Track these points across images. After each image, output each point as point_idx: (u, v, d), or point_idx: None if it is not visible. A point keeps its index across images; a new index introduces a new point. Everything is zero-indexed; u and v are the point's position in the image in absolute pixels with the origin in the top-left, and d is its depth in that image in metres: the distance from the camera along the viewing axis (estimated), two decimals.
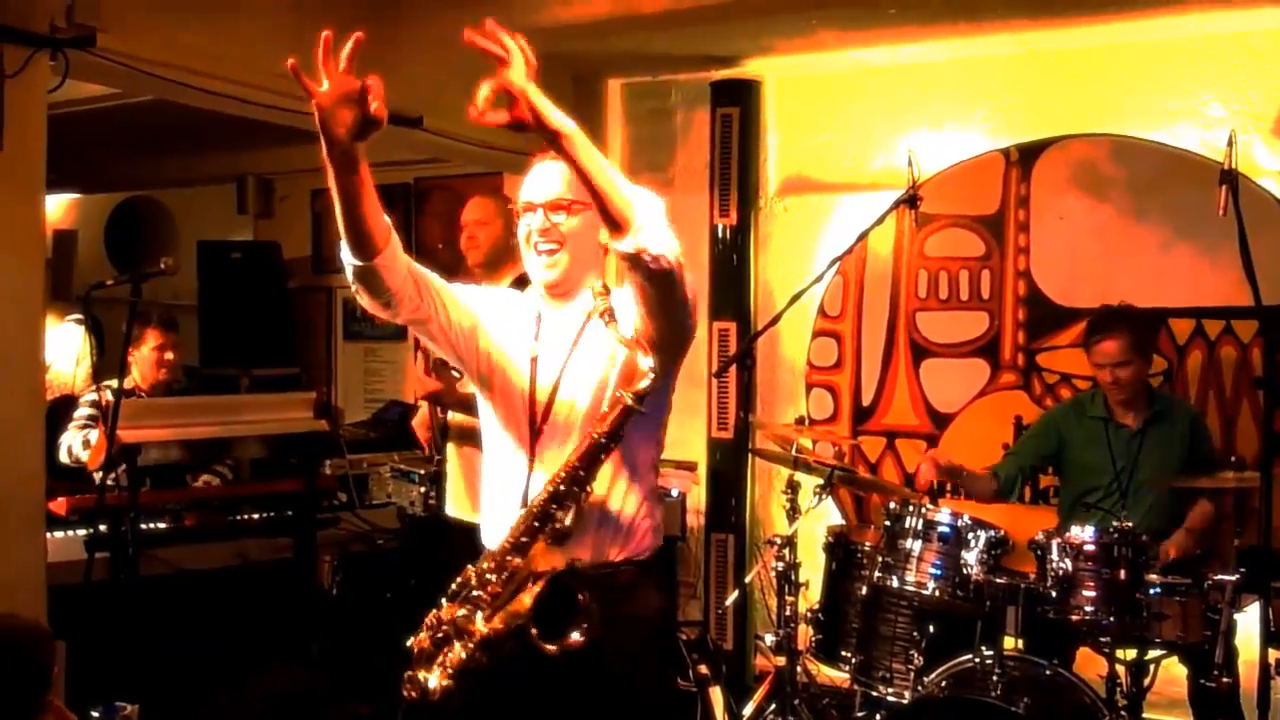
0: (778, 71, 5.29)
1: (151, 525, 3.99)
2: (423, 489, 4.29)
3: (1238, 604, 3.51)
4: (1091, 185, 4.74)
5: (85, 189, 7.39)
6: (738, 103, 5.23)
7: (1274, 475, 3.35)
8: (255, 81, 3.90)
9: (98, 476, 3.61)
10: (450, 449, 3.52)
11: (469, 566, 2.22)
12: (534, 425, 2.30)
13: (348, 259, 2.16)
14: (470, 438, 3.46)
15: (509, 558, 2.14)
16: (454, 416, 3.47)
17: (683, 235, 6.11)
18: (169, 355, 4.47)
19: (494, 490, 2.36)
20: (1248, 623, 3.65)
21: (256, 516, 4.32)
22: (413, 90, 4.48)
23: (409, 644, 2.30)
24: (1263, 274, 3.30)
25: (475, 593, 2.16)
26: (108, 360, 4.84)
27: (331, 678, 4.19)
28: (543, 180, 2.34)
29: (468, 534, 3.48)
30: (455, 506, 3.54)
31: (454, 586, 2.22)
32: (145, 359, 4.43)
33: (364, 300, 2.23)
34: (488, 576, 2.15)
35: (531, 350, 2.33)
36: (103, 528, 3.68)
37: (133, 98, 4.65)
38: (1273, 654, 3.41)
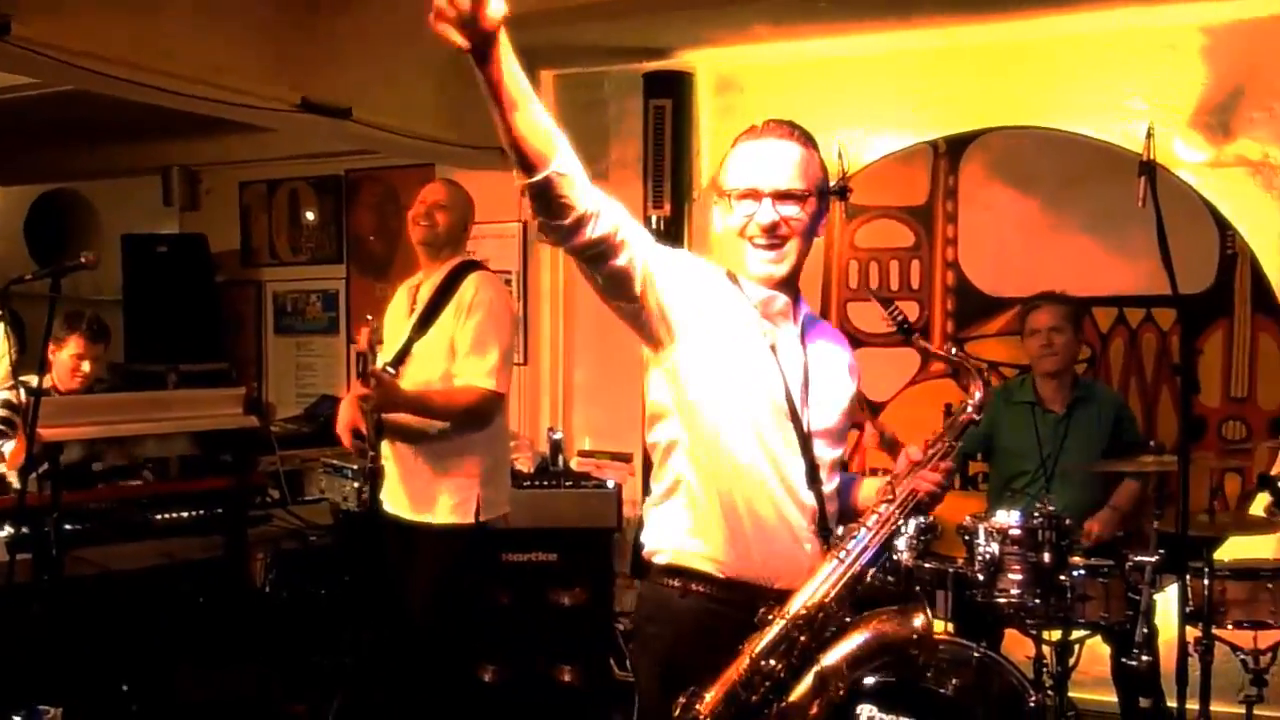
0: (710, 63, 5.31)
1: (75, 525, 3.90)
2: (356, 484, 4.25)
3: (1157, 584, 3.61)
4: (1017, 177, 4.83)
5: (3, 181, 7.19)
6: (670, 95, 5.24)
7: (1191, 459, 3.44)
8: (179, 71, 3.83)
9: (15, 478, 3.53)
10: (384, 446, 3.49)
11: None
12: (799, 426, 2.04)
13: (522, 184, 1.85)
14: (406, 434, 3.44)
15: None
16: (390, 414, 3.42)
17: None
18: (86, 367, 4.33)
19: (748, 498, 2.00)
20: (1167, 602, 3.77)
21: (185, 515, 4.24)
22: (342, 82, 4.43)
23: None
24: (1180, 264, 3.39)
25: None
26: (29, 358, 4.72)
27: (266, 676, 4.14)
28: (768, 165, 2.06)
29: (403, 530, 3.48)
30: (391, 503, 3.51)
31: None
32: (63, 364, 4.29)
33: (551, 232, 1.90)
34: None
35: (770, 336, 2.07)
36: (24, 529, 3.59)
37: (52, 87, 4.54)
38: (1190, 632, 3.52)
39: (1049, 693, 3.53)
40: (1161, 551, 3.55)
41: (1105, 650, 3.86)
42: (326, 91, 4.35)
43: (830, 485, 2.09)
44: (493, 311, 3.45)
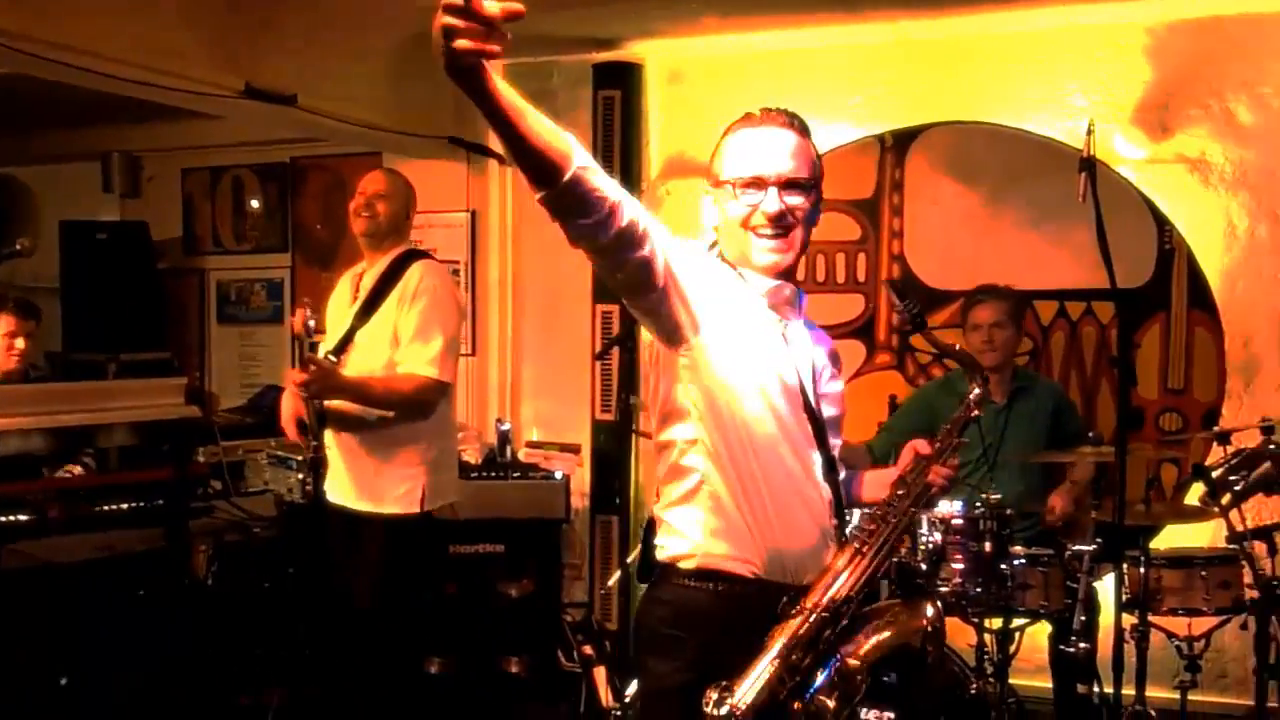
0: (660, 55, 5.32)
1: (12, 517, 3.83)
2: (300, 475, 4.21)
3: (1095, 573, 3.69)
4: (962, 171, 4.89)
5: None
6: (619, 86, 5.24)
7: (1128, 450, 3.51)
8: (120, 56, 3.76)
9: None
10: (329, 436, 3.45)
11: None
12: (814, 420, 2.02)
13: (541, 196, 1.75)
14: (348, 423, 3.41)
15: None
16: (332, 402, 3.39)
17: None
18: (19, 343, 4.26)
19: (774, 493, 1.97)
20: (1105, 590, 3.84)
21: (125, 506, 4.18)
22: (288, 68, 4.38)
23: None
24: (1120, 259, 3.45)
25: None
26: None
27: (209, 670, 4.10)
28: (771, 153, 2.02)
29: (347, 520, 3.45)
30: (335, 493, 3.48)
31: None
32: None
33: (585, 232, 1.79)
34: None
35: (779, 326, 2.04)
36: None
37: None
38: (1127, 619, 3.59)
39: (990, 680, 3.59)
40: (1099, 540, 3.62)
41: (1044, 637, 3.93)
42: (271, 78, 4.29)
43: (841, 476, 2.10)
44: (436, 299, 3.42)
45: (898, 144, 4.98)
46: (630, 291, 1.90)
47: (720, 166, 2.08)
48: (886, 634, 1.95)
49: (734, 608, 1.94)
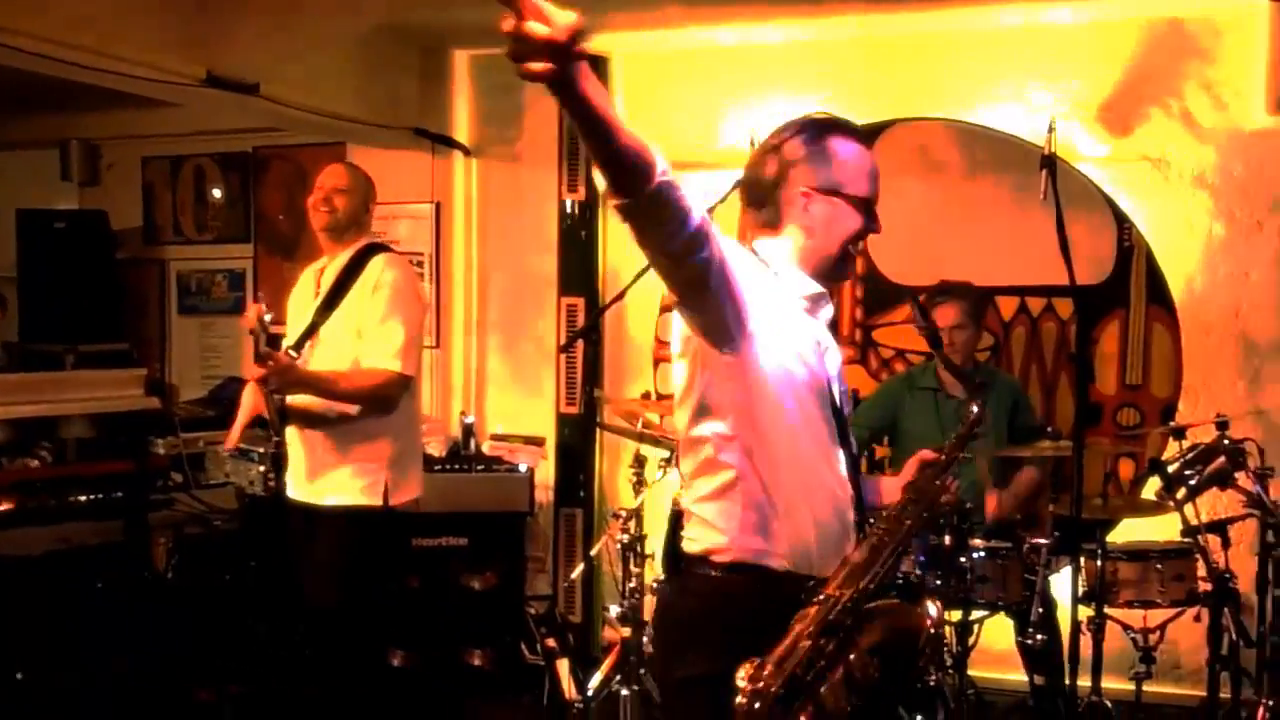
0: (625, 48, 5.31)
1: None
2: (262, 468, 4.18)
3: (1053, 566, 3.73)
4: (926, 167, 4.92)
5: None
6: None
7: (1086, 445, 3.56)
8: (79, 42, 3.71)
9: None
10: (290, 430, 3.43)
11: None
12: (839, 419, 2.06)
13: (621, 204, 1.73)
14: (311, 419, 3.39)
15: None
16: (294, 397, 3.37)
17: (532, 210, 6.11)
18: None
19: (805, 489, 2.00)
20: (1062, 584, 3.89)
21: (84, 498, 4.14)
22: (250, 57, 4.33)
23: None
24: (1080, 255, 3.49)
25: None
26: None
27: (169, 664, 4.06)
28: (877, 178, 2.11)
29: (308, 515, 3.43)
30: (296, 487, 3.46)
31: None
32: None
33: (670, 240, 1.78)
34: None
35: (814, 328, 2.08)
36: None
37: None
38: (1083, 612, 3.64)
39: (949, 671, 3.62)
40: (1057, 534, 3.67)
41: (1004, 628, 3.97)
42: (233, 66, 4.25)
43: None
44: (399, 292, 3.41)
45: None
46: (686, 290, 1.89)
47: (839, 176, 2.07)
48: (887, 628, 1.96)
49: (766, 599, 1.96)
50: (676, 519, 2.13)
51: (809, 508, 1.99)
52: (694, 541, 2.04)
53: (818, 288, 2.08)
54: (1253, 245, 4.63)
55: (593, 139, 1.65)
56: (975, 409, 2.20)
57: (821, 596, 1.90)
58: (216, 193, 6.29)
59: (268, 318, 3.29)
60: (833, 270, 2.10)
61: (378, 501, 3.38)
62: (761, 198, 2.09)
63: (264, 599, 4.15)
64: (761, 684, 1.80)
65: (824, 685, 1.85)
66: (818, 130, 2.08)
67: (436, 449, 4.92)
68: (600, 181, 1.72)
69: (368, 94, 5.00)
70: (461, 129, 5.55)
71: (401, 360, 3.35)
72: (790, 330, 2.01)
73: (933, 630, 2.05)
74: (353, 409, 3.35)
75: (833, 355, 2.11)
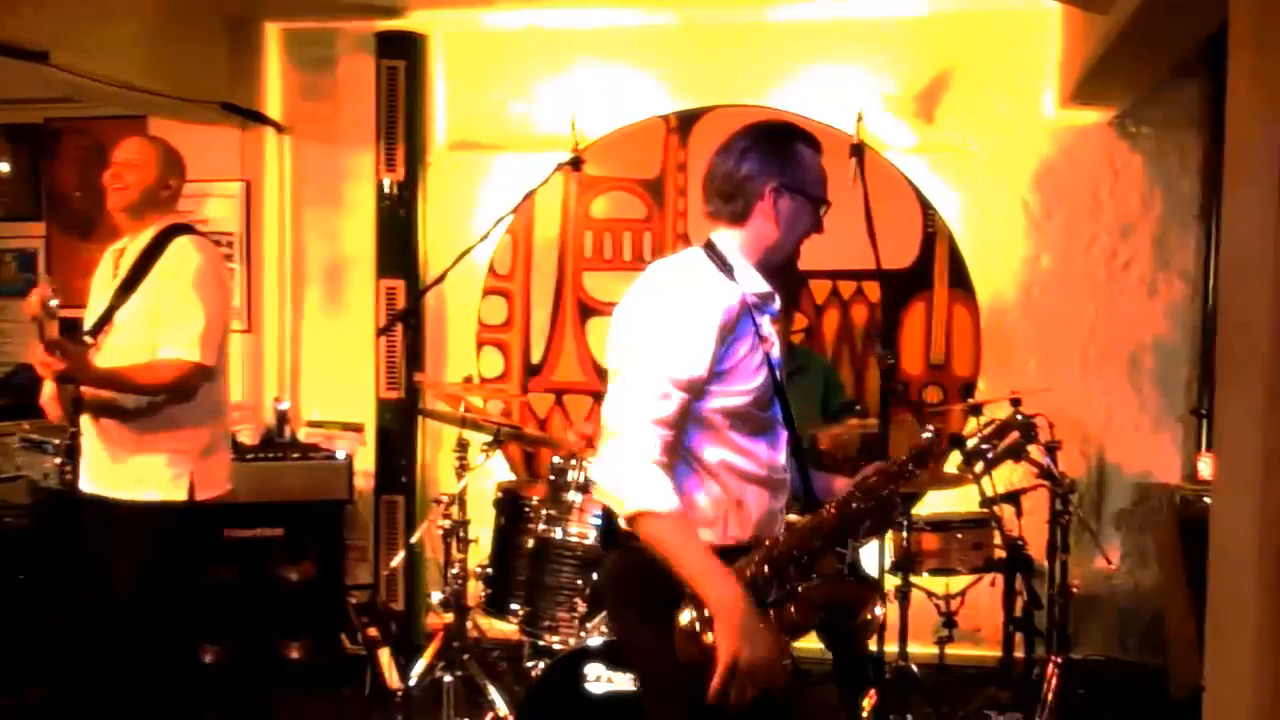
0: (445, 26, 5.23)
1: None
2: (59, 460, 3.94)
3: (862, 539, 3.87)
4: None
5: None
6: (404, 55, 5.12)
7: (892, 421, 3.71)
8: None
9: None
10: (85, 421, 3.24)
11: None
12: (785, 403, 2.26)
13: None
14: (107, 410, 3.21)
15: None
16: (89, 388, 3.18)
17: (348, 189, 5.95)
18: None
19: (760, 471, 2.21)
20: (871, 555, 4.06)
21: None
22: (40, 21, 4.07)
23: None
24: (888, 240, 3.64)
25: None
26: None
27: None
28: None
29: (106, 509, 3.25)
30: (93, 480, 3.27)
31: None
32: None
33: None
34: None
35: (764, 321, 2.25)
36: None
37: None
38: (891, 581, 3.81)
39: None
40: None
41: None
42: (20, 31, 3.98)
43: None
44: (200, 277, 3.23)
45: (682, 125, 5.09)
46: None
47: (802, 179, 2.27)
48: (836, 590, 2.18)
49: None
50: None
51: (761, 487, 2.20)
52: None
53: (767, 287, 2.26)
54: (1044, 232, 4.93)
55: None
56: (930, 430, 2.35)
57: (766, 543, 2.14)
58: (4, 166, 5.88)
59: (54, 303, 3.08)
60: (784, 262, 2.28)
61: (181, 495, 3.23)
62: (730, 191, 2.26)
63: (60, 598, 3.94)
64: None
65: (771, 608, 2.08)
66: (786, 134, 2.31)
67: (249, 437, 4.76)
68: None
69: (170, 65, 4.76)
70: (273, 104, 5.36)
71: (200, 349, 3.19)
72: (751, 339, 2.18)
73: (870, 618, 2.24)
74: (151, 399, 3.19)
75: (775, 347, 2.29)
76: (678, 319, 2.11)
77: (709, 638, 1.98)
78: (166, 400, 3.20)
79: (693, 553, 2.01)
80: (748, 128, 2.32)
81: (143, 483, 3.21)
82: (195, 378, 3.22)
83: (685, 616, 2.02)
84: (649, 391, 2.06)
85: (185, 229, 3.39)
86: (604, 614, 3.56)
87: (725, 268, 2.21)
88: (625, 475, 2.03)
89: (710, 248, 2.25)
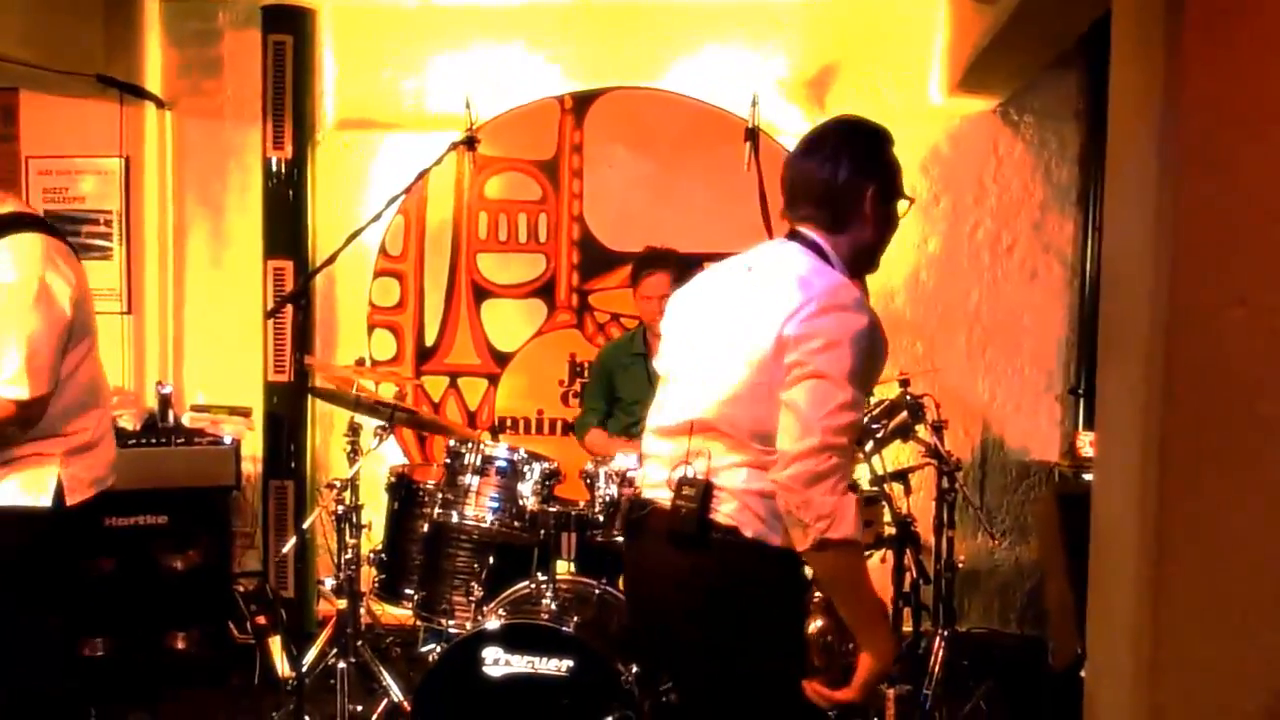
0: (334, 1, 5.11)
1: None
2: None
3: None
4: (637, 136, 5.04)
5: None
6: (291, 31, 4.98)
7: None
8: None
9: None
10: None
11: None
12: None
13: None
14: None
15: None
16: None
17: (234, 167, 5.78)
18: None
19: None
20: None
21: None
22: None
23: None
24: (779, 224, 3.65)
25: None
26: None
27: None
28: None
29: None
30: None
31: None
32: None
33: None
34: None
35: None
36: None
37: None
38: None
39: None
40: None
41: None
42: None
43: None
44: (11, 299, 2.79)
45: (577, 106, 5.06)
46: None
47: (894, 181, 2.28)
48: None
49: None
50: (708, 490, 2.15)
51: None
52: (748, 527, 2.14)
53: (863, 288, 2.25)
54: (931, 218, 5.05)
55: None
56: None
57: None
58: None
59: None
60: (870, 263, 2.32)
61: (46, 503, 2.92)
62: (828, 197, 2.21)
63: None
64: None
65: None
66: (875, 135, 2.30)
67: (130, 422, 4.60)
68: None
69: (41, 36, 4.56)
70: (153, 79, 5.17)
71: (27, 381, 2.79)
72: None
73: None
74: None
75: None
76: (872, 333, 2.08)
77: (850, 646, 2.06)
78: (10, 434, 2.88)
79: (868, 584, 2.07)
80: (833, 129, 2.30)
81: (4, 494, 2.90)
82: (30, 410, 2.85)
83: (817, 624, 2.08)
84: (855, 406, 2.01)
85: (17, 224, 2.89)
86: (501, 596, 3.55)
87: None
88: (839, 499, 1.96)
89: (816, 249, 2.22)
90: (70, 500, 2.96)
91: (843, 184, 2.20)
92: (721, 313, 2.22)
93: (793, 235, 2.26)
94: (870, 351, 2.07)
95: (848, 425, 1.98)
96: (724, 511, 2.13)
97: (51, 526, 2.94)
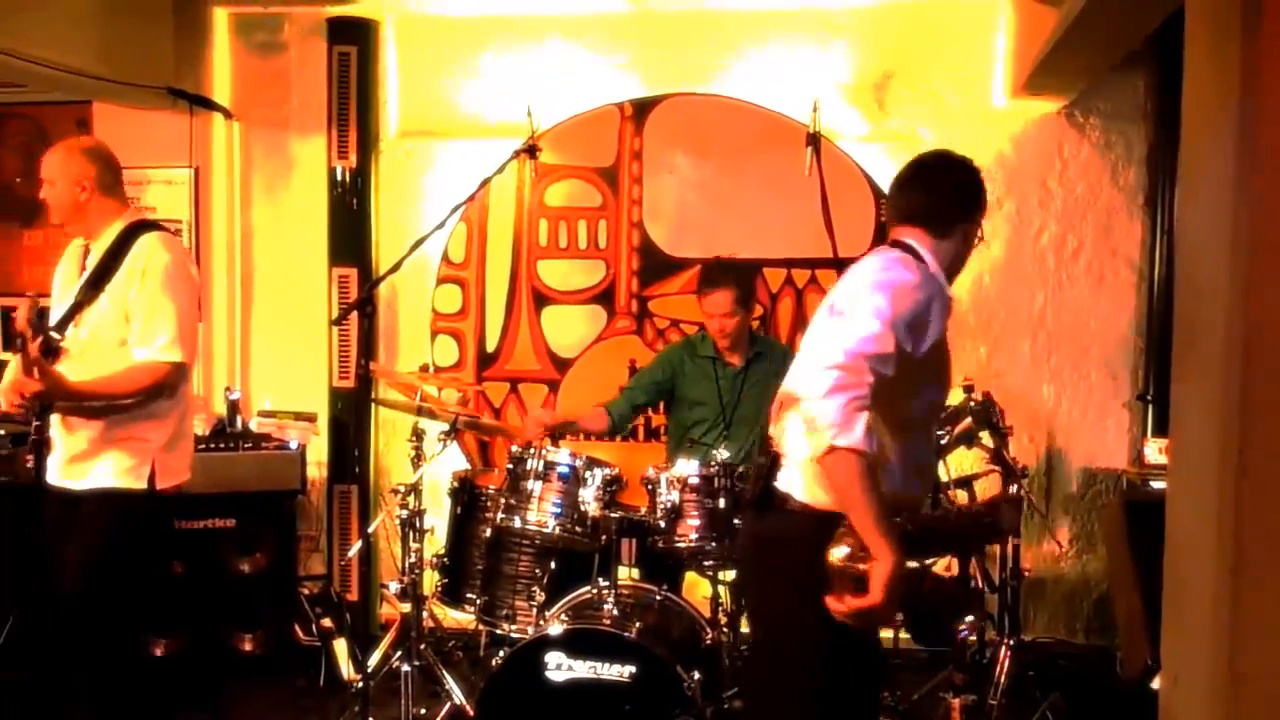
0: (397, 13, 5.17)
1: None
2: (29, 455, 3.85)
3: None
4: (697, 142, 5.04)
5: None
6: (355, 42, 5.06)
7: None
8: None
9: None
10: (55, 418, 3.19)
11: None
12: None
13: None
14: (76, 407, 3.17)
15: None
16: None
17: (299, 176, 5.86)
18: None
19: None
20: None
21: None
22: None
23: None
24: (842, 229, 3.66)
25: None
26: None
27: None
28: None
29: (67, 501, 3.18)
30: (55, 473, 3.21)
31: None
32: None
33: None
34: None
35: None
36: None
37: None
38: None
39: (724, 630, 3.76)
40: None
41: None
42: None
43: None
44: (169, 276, 3.21)
45: (637, 113, 5.08)
46: None
47: (983, 215, 2.65)
48: (961, 590, 2.76)
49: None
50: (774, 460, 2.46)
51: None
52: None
53: (951, 291, 2.51)
54: (994, 220, 4.99)
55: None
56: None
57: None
58: None
59: (39, 321, 3.08)
60: (957, 273, 2.62)
61: (142, 485, 3.20)
62: (941, 214, 2.56)
63: (15, 589, 3.86)
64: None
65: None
66: (979, 180, 2.67)
67: (200, 427, 4.69)
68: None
69: (115, 49, 4.66)
70: (222, 90, 5.27)
71: (177, 349, 3.19)
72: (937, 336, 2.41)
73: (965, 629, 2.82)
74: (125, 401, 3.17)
75: None
76: (918, 287, 2.36)
77: (863, 566, 2.17)
78: (144, 402, 3.18)
79: (875, 497, 2.17)
80: (954, 162, 2.66)
81: (105, 472, 3.18)
82: (173, 377, 3.22)
83: (840, 552, 2.22)
84: (879, 341, 2.24)
85: (150, 225, 3.36)
86: (563, 601, 3.57)
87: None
88: (850, 413, 2.16)
89: (912, 253, 2.49)
90: (160, 485, 3.23)
91: (956, 207, 2.60)
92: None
93: (894, 244, 2.55)
94: (910, 298, 2.30)
95: (871, 355, 2.20)
96: (783, 479, 2.43)
97: (144, 508, 3.22)
